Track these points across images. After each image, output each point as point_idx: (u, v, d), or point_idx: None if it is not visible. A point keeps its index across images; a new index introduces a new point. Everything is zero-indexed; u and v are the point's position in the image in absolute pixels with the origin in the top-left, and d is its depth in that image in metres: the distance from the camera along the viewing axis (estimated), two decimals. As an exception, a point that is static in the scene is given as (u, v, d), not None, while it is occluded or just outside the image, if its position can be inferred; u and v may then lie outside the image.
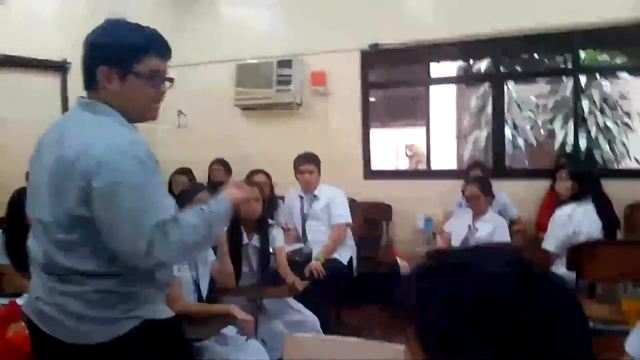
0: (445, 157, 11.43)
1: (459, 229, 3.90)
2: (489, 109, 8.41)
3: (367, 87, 5.33)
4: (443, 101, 11.33)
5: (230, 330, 2.63)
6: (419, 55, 5.16)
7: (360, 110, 5.28)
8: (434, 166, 5.45)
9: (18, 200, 2.79)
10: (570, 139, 9.32)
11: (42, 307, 1.50)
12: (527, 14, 4.52)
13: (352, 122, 5.26)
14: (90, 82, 1.52)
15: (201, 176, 4.84)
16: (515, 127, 11.89)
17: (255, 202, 3.14)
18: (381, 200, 5.06)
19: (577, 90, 6.25)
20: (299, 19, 5.37)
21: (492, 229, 3.76)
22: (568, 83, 10.33)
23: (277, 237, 3.31)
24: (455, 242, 3.85)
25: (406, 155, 10.71)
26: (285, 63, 5.24)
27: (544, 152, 11.45)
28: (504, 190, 4.44)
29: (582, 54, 6.11)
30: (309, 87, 5.31)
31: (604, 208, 3.33)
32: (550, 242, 3.30)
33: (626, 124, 11.26)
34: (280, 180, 4.36)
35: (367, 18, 5.04)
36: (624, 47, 7.55)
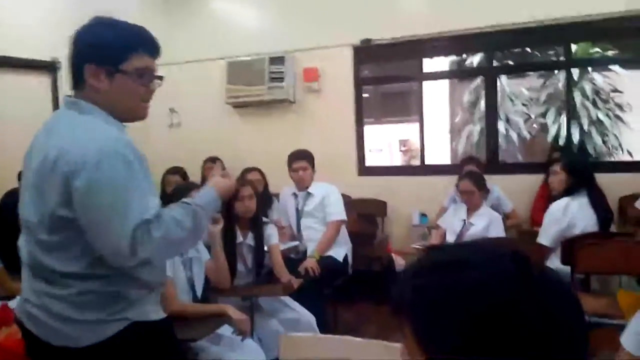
0: (439, 153, 11.48)
1: (454, 224, 3.91)
2: (482, 103, 8.46)
3: (359, 82, 5.32)
4: (436, 96, 11.38)
5: (225, 330, 2.62)
6: (411, 50, 5.14)
7: (354, 106, 5.28)
8: (428, 161, 5.45)
9: (9, 201, 2.76)
10: (563, 132, 9.37)
11: (30, 309, 1.48)
12: (519, 7, 4.51)
13: (345, 118, 5.26)
14: (77, 80, 1.49)
15: (194, 175, 4.81)
16: (508, 121, 11.94)
17: (249, 200, 3.13)
18: (375, 196, 5.06)
19: (570, 84, 6.28)
20: (290, 15, 5.34)
21: (486, 223, 3.77)
22: (560, 76, 10.41)
23: (272, 235, 3.29)
24: (450, 237, 3.86)
25: (400, 150, 10.75)
26: (277, 60, 5.22)
27: (537, 146, 11.52)
28: (498, 184, 4.44)
29: (574, 47, 6.14)
30: (301, 83, 5.30)
31: (598, 201, 3.33)
32: (545, 237, 3.30)
33: (618, 117, 11.33)
34: (274, 178, 4.34)
35: (358, 13, 5.03)
36: (616, 40, 7.61)
